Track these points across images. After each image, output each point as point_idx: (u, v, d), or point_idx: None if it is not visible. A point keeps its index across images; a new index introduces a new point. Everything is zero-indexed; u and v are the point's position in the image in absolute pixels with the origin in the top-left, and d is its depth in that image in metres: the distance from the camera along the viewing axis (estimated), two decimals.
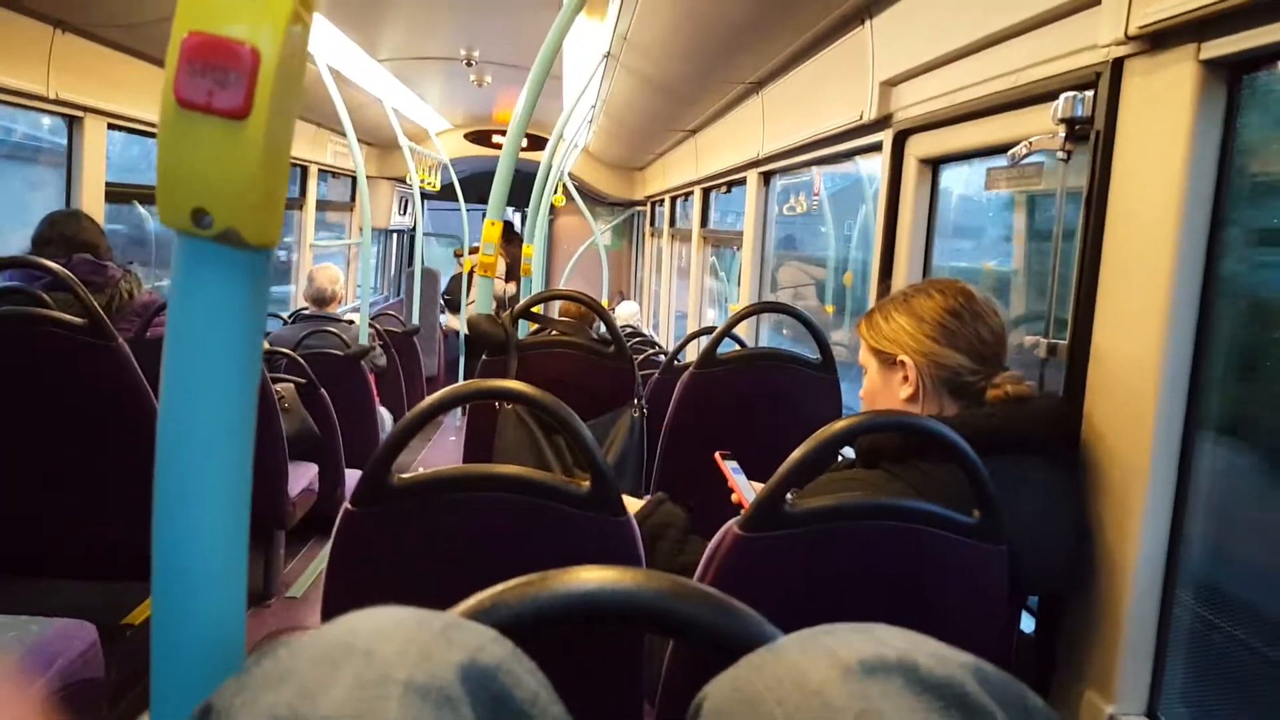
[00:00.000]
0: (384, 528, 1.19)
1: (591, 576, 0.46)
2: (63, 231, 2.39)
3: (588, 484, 1.18)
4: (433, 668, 0.32)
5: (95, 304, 1.89)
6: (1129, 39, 1.18)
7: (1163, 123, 1.16)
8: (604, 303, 7.14)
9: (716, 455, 1.57)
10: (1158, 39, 1.16)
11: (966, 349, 1.30)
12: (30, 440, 2.00)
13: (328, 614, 1.22)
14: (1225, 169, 1.13)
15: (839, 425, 1.15)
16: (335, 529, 1.18)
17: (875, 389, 1.38)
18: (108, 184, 3.17)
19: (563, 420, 1.18)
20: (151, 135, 3.70)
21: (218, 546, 0.44)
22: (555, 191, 5.89)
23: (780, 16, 2.34)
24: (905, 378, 1.32)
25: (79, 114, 2.97)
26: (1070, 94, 1.32)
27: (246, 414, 0.43)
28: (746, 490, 1.45)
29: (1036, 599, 1.43)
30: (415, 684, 0.31)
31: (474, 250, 4.84)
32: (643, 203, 7.81)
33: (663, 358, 3.42)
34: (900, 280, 2.10)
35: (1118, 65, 1.24)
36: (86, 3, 2.60)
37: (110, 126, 3.15)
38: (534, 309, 2.36)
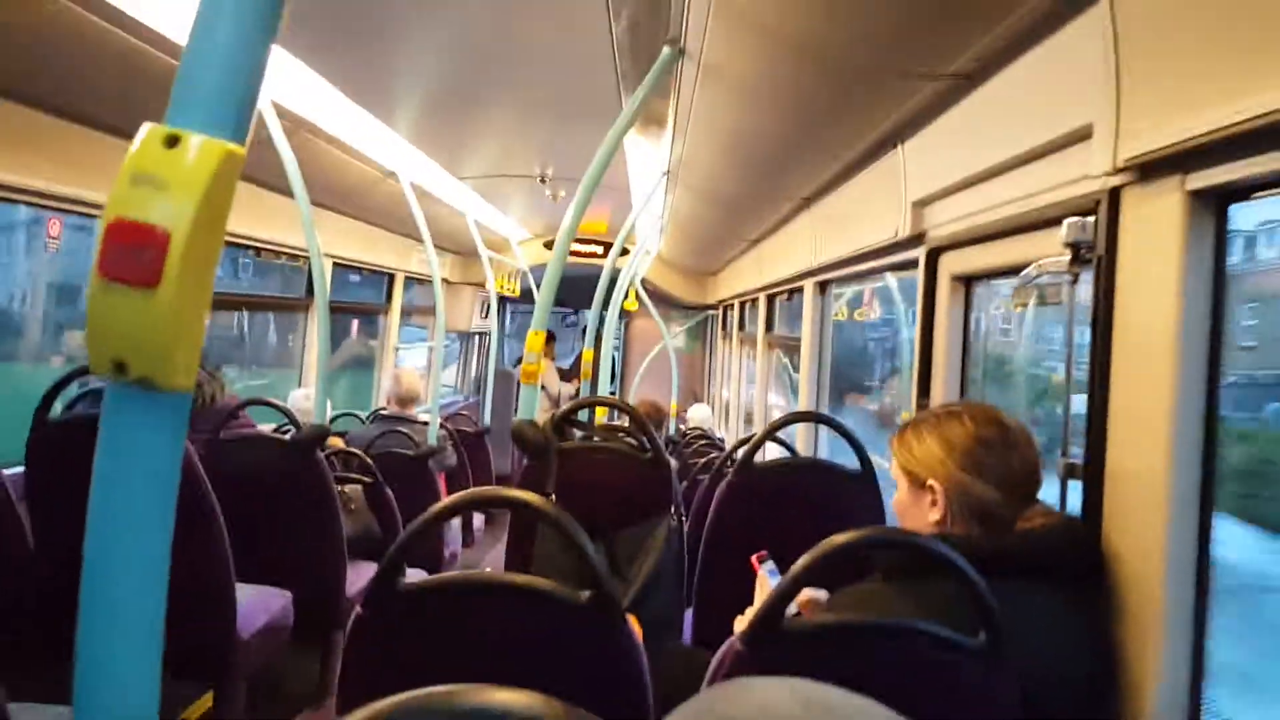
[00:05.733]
0: (392, 631, 1.24)
1: (493, 697, 0.47)
2: None
3: (587, 594, 1.21)
4: None
5: None
6: (1119, 170, 1.21)
7: (1157, 248, 1.18)
8: (673, 406, 7.17)
9: (754, 558, 1.57)
10: (1146, 170, 1.18)
11: (996, 481, 1.28)
12: None
13: (340, 714, 1.26)
14: (1220, 291, 1.13)
15: (838, 540, 1.14)
16: (347, 631, 1.23)
17: (905, 506, 1.37)
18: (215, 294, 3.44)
19: (563, 529, 1.23)
20: (258, 249, 4.03)
21: (136, 668, 0.49)
22: (626, 297, 6.07)
23: (820, 141, 2.43)
24: (934, 502, 1.31)
25: None
26: (1074, 219, 1.34)
27: (163, 532, 0.49)
28: None
29: None
30: None
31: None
32: (715, 306, 7.93)
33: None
34: (938, 396, 2.09)
35: (1115, 193, 1.26)
36: None
37: None
38: (575, 414, 2.43)
